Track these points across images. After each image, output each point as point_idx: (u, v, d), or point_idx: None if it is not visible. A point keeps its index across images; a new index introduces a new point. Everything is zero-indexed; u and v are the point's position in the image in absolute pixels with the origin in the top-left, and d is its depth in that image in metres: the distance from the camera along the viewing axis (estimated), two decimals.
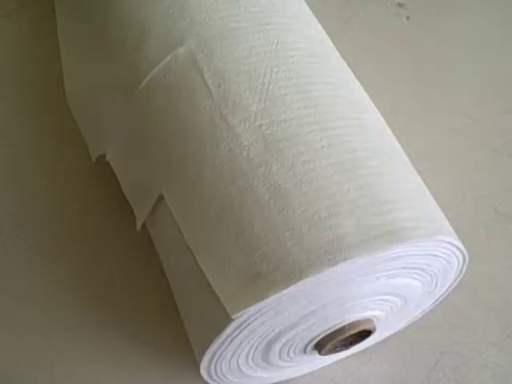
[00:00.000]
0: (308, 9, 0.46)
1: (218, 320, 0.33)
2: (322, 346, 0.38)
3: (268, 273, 0.32)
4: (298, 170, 0.34)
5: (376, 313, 0.38)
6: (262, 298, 0.31)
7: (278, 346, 0.37)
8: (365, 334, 0.39)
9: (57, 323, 0.43)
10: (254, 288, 0.32)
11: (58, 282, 0.45)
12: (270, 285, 0.31)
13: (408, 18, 0.62)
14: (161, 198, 0.37)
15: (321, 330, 0.37)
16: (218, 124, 0.36)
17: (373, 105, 0.41)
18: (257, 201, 0.33)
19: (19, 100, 0.54)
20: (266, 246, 0.32)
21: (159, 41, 0.40)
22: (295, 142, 0.35)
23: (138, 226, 0.40)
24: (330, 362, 0.43)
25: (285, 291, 0.31)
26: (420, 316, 0.44)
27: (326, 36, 0.44)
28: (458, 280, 0.40)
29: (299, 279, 0.31)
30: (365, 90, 0.42)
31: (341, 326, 0.37)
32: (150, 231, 0.42)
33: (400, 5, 0.63)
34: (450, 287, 0.41)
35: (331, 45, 0.44)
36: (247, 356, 0.37)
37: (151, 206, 0.38)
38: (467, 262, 0.38)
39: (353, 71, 0.42)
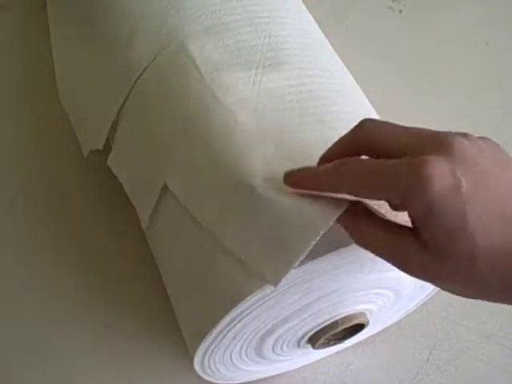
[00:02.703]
0: (301, 2, 0.46)
1: (212, 314, 0.33)
2: (316, 339, 0.38)
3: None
4: (295, 157, 0.33)
5: (369, 306, 0.38)
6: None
7: (271, 340, 0.37)
8: (358, 327, 0.39)
9: (47, 318, 0.44)
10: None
11: (51, 286, 0.45)
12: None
13: (401, 11, 0.62)
14: (165, 188, 0.37)
15: (314, 324, 0.37)
16: (212, 104, 0.35)
17: (365, 97, 0.41)
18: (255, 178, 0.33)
19: (9, 98, 0.54)
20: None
21: (151, 35, 0.40)
22: (288, 129, 0.35)
23: (145, 223, 0.39)
24: (323, 356, 0.43)
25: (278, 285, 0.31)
26: (413, 309, 0.44)
27: (318, 29, 0.44)
28: None
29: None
30: (357, 83, 0.42)
31: (334, 320, 0.37)
32: (145, 230, 0.42)
33: None
34: None
35: (324, 38, 0.44)
36: (241, 350, 0.37)
37: (156, 197, 0.37)
38: None
39: (345, 64, 0.42)
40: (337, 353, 0.43)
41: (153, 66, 0.39)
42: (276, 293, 0.32)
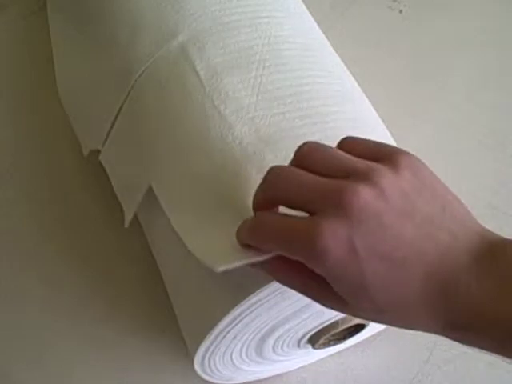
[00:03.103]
0: (301, 2, 0.46)
1: (212, 314, 0.33)
2: (316, 340, 0.38)
3: None
4: None
5: None
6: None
7: (271, 340, 0.37)
8: (358, 327, 0.39)
9: (47, 318, 0.44)
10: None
11: (51, 286, 0.45)
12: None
13: (401, 11, 0.62)
14: (151, 190, 0.37)
15: (314, 324, 0.37)
16: (210, 113, 0.35)
17: (365, 98, 0.41)
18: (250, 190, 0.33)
19: (9, 98, 0.54)
20: None
21: (151, 35, 0.40)
22: (288, 134, 0.35)
23: (127, 223, 0.39)
24: (323, 356, 0.43)
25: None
26: None
27: (318, 29, 0.44)
28: None
29: None
30: (357, 83, 0.42)
31: (334, 320, 0.37)
32: (144, 227, 0.42)
33: None
34: None
35: (324, 38, 0.44)
36: (241, 350, 0.37)
37: (140, 198, 0.37)
38: None
39: (345, 64, 0.42)
40: (337, 353, 0.43)
41: (152, 67, 0.39)
42: (276, 293, 0.32)
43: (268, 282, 0.31)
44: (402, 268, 0.26)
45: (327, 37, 0.44)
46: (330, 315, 0.37)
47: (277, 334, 0.37)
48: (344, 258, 0.26)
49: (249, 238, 0.29)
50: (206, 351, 0.35)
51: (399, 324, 0.28)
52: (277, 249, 0.28)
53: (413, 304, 0.26)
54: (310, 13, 0.46)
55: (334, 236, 0.25)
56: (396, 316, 0.27)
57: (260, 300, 0.32)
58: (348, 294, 0.27)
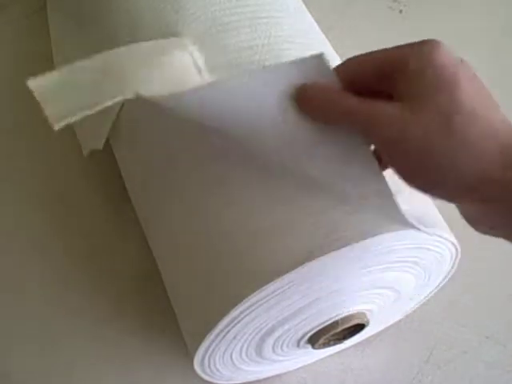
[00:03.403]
0: (301, 2, 0.46)
1: (212, 314, 0.33)
2: (316, 340, 0.38)
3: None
4: None
5: (369, 306, 0.38)
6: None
7: (271, 340, 0.37)
8: (358, 327, 0.39)
9: (47, 319, 0.44)
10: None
11: (51, 287, 0.45)
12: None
13: (401, 11, 0.62)
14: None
15: (314, 324, 0.37)
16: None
17: None
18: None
19: (8, 98, 0.54)
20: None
21: (151, 35, 0.40)
22: None
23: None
24: (323, 356, 0.43)
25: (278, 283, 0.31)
26: (413, 309, 0.44)
27: (318, 29, 0.44)
28: (450, 273, 0.41)
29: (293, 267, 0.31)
30: None
31: (334, 320, 0.37)
32: (144, 228, 0.42)
33: None
34: (443, 280, 0.41)
35: (324, 38, 0.44)
36: (241, 350, 0.37)
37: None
38: (460, 255, 0.38)
39: None
40: (337, 353, 0.43)
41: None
42: (276, 293, 0.32)
43: (267, 282, 0.31)
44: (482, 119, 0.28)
45: (327, 37, 0.44)
46: (330, 315, 0.37)
47: (276, 334, 0.37)
48: (453, 58, 0.28)
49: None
50: (206, 351, 0.35)
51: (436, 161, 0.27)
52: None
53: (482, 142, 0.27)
54: (310, 12, 0.46)
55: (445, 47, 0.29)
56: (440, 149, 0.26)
57: (260, 300, 0.32)
58: (428, 86, 0.27)
